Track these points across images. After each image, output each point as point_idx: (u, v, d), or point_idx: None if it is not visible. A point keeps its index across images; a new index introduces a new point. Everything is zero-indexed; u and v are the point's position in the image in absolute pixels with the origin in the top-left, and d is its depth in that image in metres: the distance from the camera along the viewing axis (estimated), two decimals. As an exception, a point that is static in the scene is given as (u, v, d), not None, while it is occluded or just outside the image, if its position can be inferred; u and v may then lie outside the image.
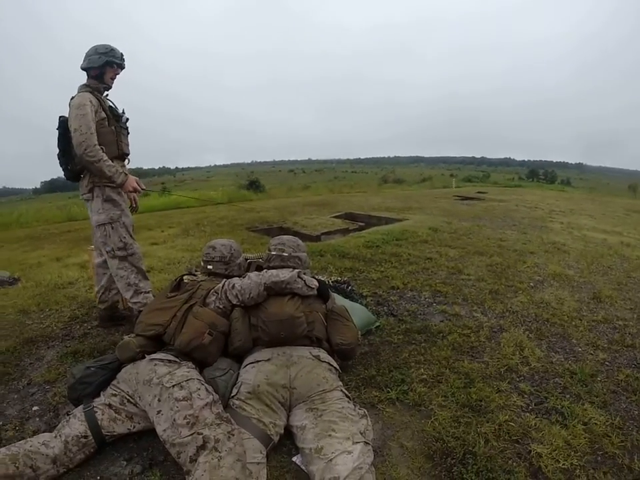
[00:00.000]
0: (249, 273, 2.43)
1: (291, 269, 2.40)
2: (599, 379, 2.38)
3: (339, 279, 3.71)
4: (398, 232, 6.52)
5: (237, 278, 2.41)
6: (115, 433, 1.79)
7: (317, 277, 3.65)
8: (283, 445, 1.82)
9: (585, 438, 1.86)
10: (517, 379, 2.35)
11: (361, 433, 1.70)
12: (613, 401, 2.17)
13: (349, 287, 3.58)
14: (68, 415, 1.84)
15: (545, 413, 2.05)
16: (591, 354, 2.67)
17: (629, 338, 2.92)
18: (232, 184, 30.75)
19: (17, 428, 1.99)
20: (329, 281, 3.55)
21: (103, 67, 2.73)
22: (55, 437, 1.69)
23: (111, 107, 2.81)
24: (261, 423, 1.76)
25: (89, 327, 3.11)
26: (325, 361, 2.05)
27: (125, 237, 2.81)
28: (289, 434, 1.85)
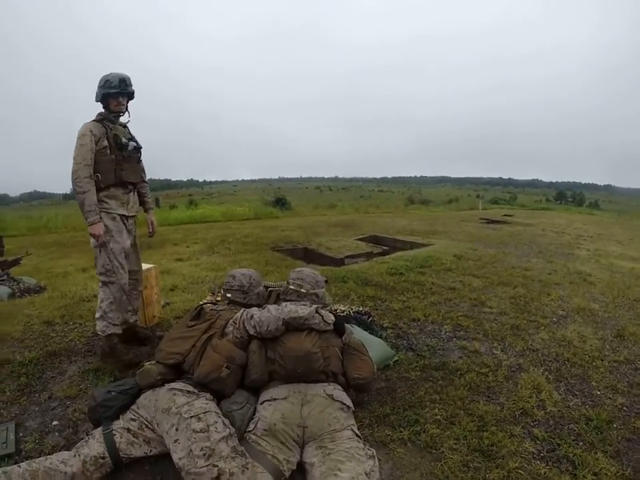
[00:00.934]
0: (268, 305, 2.51)
1: (308, 304, 2.48)
2: (615, 425, 2.35)
3: (360, 309, 3.74)
4: (422, 258, 6.50)
5: (256, 308, 2.49)
6: (131, 456, 1.90)
7: (338, 306, 3.71)
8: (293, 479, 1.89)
9: (593, 490, 1.86)
10: (532, 424, 2.34)
11: (366, 474, 1.75)
12: (627, 450, 2.15)
13: (370, 319, 3.61)
14: (87, 435, 1.96)
15: (556, 461, 2.05)
16: (610, 398, 2.64)
17: (649, 381, 2.86)
18: (258, 199, 31.13)
19: (37, 441, 2.10)
20: (350, 311, 3.59)
21: (104, 99, 2.87)
22: (74, 455, 1.81)
23: (116, 135, 2.86)
24: (275, 459, 1.84)
25: (112, 345, 3.20)
26: (338, 400, 2.11)
27: (108, 264, 2.84)
28: (302, 469, 1.92)
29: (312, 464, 1.84)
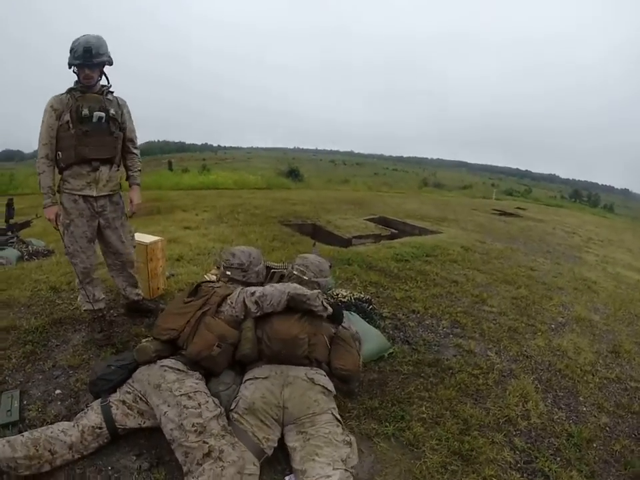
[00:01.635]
0: (272, 284, 2.55)
1: (311, 289, 2.51)
2: (594, 445, 2.39)
3: (362, 295, 3.76)
4: (429, 247, 6.49)
5: (255, 287, 2.51)
6: (127, 427, 2.01)
7: (340, 290, 3.74)
8: (278, 464, 1.99)
9: (562, 509, 1.91)
10: (514, 433, 2.39)
11: (342, 460, 1.82)
12: (602, 472, 2.19)
13: (370, 306, 3.64)
14: (87, 406, 2.06)
15: (530, 474, 2.10)
16: (594, 416, 2.68)
17: (636, 404, 2.89)
18: (271, 167, 30.94)
19: (40, 409, 2.18)
20: (351, 297, 3.61)
21: (74, 69, 2.58)
22: (73, 425, 1.92)
23: (78, 106, 2.54)
24: (255, 438, 1.93)
25: (115, 314, 3.25)
26: (318, 384, 2.14)
27: (69, 247, 2.72)
28: (287, 453, 1.99)
29: (294, 448, 1.93)
